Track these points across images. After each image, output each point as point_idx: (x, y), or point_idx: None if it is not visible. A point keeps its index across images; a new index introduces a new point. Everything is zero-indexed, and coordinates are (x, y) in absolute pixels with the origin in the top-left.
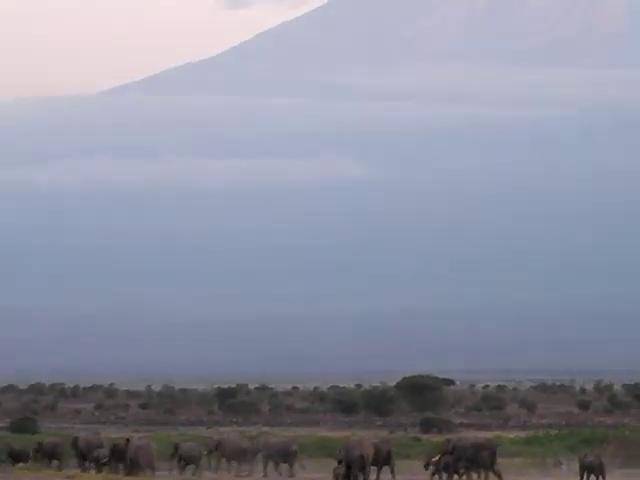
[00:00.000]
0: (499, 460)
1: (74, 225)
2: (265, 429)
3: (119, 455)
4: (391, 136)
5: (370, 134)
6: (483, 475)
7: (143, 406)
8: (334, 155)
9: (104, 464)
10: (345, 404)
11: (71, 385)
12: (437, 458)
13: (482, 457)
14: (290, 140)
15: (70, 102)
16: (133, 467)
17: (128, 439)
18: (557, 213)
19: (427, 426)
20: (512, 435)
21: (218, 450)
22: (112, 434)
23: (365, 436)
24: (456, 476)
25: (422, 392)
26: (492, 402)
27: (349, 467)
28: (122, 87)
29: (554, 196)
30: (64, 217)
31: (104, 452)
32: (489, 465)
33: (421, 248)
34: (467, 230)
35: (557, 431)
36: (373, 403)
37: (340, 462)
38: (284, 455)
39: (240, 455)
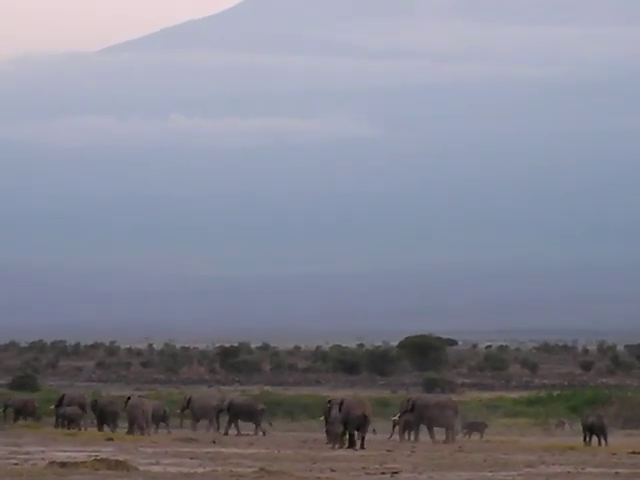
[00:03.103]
0: (503, 420)
1: (69, 183)
2: (267, 388)
3: (100, 413)
4: (392, 95)
5: (370, 93)
6: (447, 434)
7: (144, 364)
8: (335, 114)
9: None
10: (347, 364)
11: (72, 343)
12: (397, 417)
13: (445, 416)
14: (290, 99)
15: (68, 60)
16: (129, 425)
17: (129, 397)
18: (571, 167)
19: (430, 386)
20: (515, 395)
21: (188, 408)
22: (113, 392)
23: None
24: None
25: (425, 352)
26: (494, 362)
27: (346, 426)
28: (121, 45)
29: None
30: (61, 176)
31: (73, 409)
32: (449, 424)
33: (420, 206)
34: (463, 189)
35: (559, 392)
36: (375, 363)
37: (326, 419)
38: (249, 414)
39: (208, 414)
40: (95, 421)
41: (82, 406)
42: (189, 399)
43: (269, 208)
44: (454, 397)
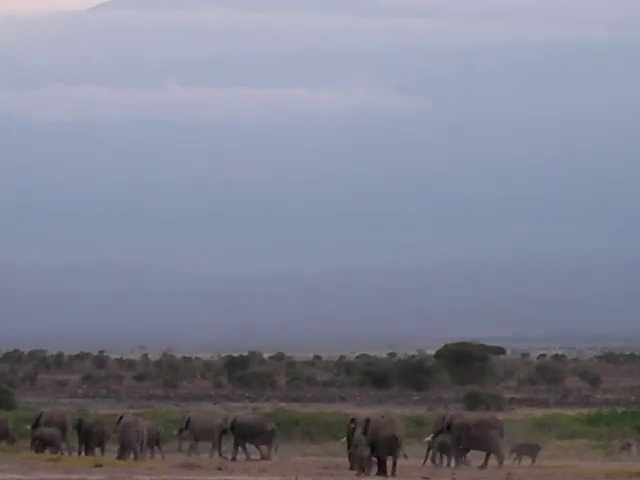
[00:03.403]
0: (559, 442)
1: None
2: (281, 405)
3: (85, 434)
4: (408, 56)
5: (387, 54)
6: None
7: (138, 378)
8: (350, 79)
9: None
10: (375, 376)
11: (53, 353)
12: (431, 437)
13: (489, 437)
14: (300, 63)
15: (55, 20)
16: (121, 448)
17: (121, 416)
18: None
19: (472, 402)
20: (572, 413)
21: (187, 429)
22: (102, 410)
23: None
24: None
25: (466, 362)
26: (549, 374)
27: (374, 449)
28: (112, 2)
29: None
30: (43, 154)
31: (51, 430)
32: (493, 447)
33: (465, 192)
34: (498, 173)
35: (625, 409)
36: (409, 375)
37: (349, 441)
38: (258, 435)
39: (210, 435)
40: (79, 444)
41: (63, 426)
42: (188, 418)
43: (290, 194)
44: (501, 415)
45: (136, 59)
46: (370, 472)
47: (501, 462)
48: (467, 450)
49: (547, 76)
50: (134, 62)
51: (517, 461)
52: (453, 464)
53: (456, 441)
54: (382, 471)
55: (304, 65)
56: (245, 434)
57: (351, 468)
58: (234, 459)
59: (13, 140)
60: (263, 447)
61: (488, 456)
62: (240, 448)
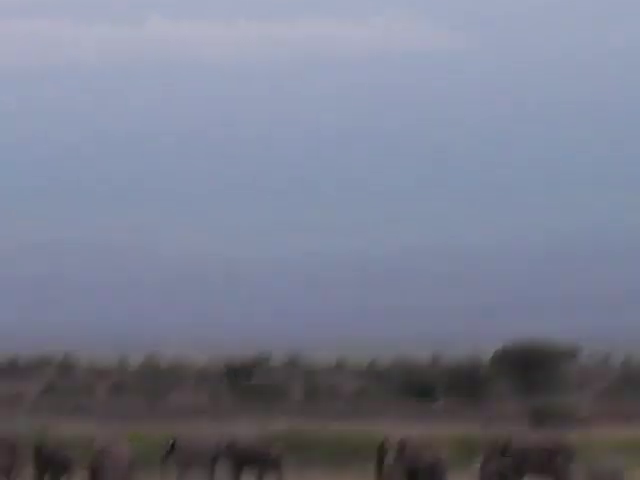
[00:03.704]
0: None
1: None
2: (297, 423)
3: (45, 463)
4: None
5: None
6: None
7: (115, 389)
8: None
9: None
10: (417, 386)
11: (6, 358)
12: (479, 464)
13: (555, 464)
14: None
15: None
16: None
17: (93, 440)
18: None
19: (539, 419)
20: None
21: (174, 453)
22: (68, 431)
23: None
24: None
25: (532, 368)
26: (636, 383)
27: (412, 478)
28: None
29: None
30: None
31: None
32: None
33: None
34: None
35: None
36: (458, 385)
37: (380, 468)
38: (261, 462)
39: (202, 461)
40: (35, 478)
41: (12, 452)
42: (174, 441)
43: (296, 155)
44: (575, 435)
45: None
46: None
47: None
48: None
49: None
50: None
51: None
52: None
53: (514, 469)
54: None
55: None
56: (244, 460)
57: None
58: None
59: None
60: (268, 477)
61: None
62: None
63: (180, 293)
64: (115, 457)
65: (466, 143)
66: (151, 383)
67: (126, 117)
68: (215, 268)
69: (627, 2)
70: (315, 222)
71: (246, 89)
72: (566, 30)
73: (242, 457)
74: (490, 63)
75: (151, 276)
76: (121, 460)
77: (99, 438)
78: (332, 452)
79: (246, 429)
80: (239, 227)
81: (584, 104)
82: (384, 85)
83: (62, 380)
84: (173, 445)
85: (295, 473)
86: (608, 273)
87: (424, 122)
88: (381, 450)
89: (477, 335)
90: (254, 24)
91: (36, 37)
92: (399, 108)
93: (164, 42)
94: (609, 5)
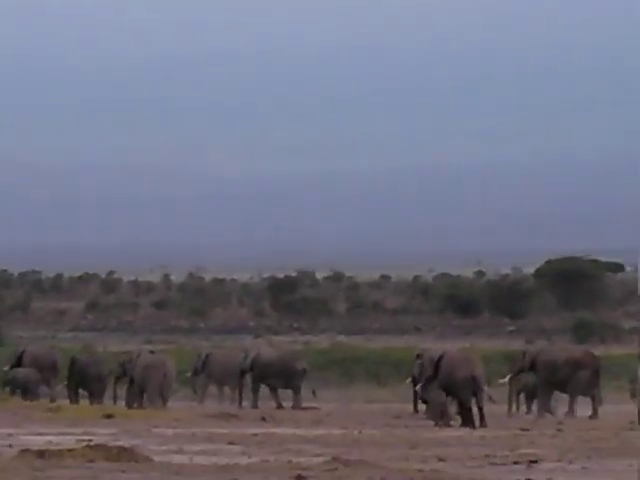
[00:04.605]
0: None
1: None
2: (341, 338)
3: (80, 377)
4: None
5: None
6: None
7: (158, 305)
8: None
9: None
10: (460, 301)
11: (50, 275)
12: (507, 378)
13: (580, 378)
14: None
15: None
16: (139, 395)
17: (138, 356)
18: None
19: (583, 333)
20: None
21: (204, 371)
22: (112, 346)
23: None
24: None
25: (575, 282)
26: None
27: (449, 393)
28: None
29: None
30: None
31: (27, 373)
32: (587, 390)
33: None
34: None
35: None
36: (502, 300)
37: (415, 382)
38: (284, 377)
39: (233, 377)
40: (68, 390)
41: (53, 367)
42: (206, 356)
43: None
44: (619, 349)
45: None
46: (449, 421)
47: (596, 410)
48: (551, 393)
49: None
50: None
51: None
52: (535, 410)
53: (542, 382)
54: (468, 421)
55: None
56: (268, 375)
57: (428, 418)
58: (255, 406)
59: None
60: (294, 393)
61: (573, 401)
62: (270, 393)
63: (222, 212)
64: (155, 371)
65: None
66: (195, 299)
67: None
68: (255, 187)
69: None
70: (348, 138)
71: None
72: None
73: (265, 371)
74: None
75: (193, 196)
76: (161, 373)
77: (142, 353)
78: (376, 367)
79: (290, 344)
80: (274, 145)
81: None
82: None
83: (106, 297)
84: (204, 360)
85: (338, 388)
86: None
87: None
88: (416, 363)
89: (521, 251)
90: None
91: None
92: None
93: None
94: None
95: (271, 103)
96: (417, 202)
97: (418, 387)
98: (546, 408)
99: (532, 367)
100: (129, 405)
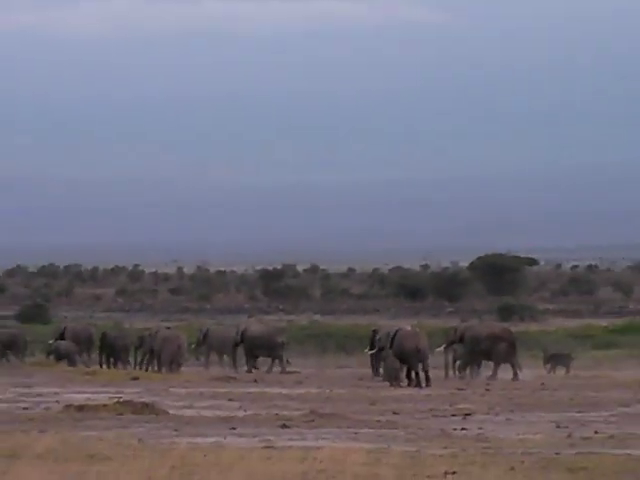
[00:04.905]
0: (593, 352)
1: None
2: (316, 317)
3: (109, 347)
4: None
5: None
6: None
7: (173, 291)
8: None
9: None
10: (409, 288)
11: (88, 267)
12: (442, 348)
13: (500, 349)
14: None
15: None
16: (158, 361)
17: (157, 331)
18: None
19: (506, 313)
20: (606, 323)
21: (205, 343)
22: (138, 323)
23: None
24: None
25: (500, 274)
26: (582, 285)
27: (401, 360)
28: None
29: None
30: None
31: (66, 344)
32: (507, 358)
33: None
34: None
35: None
36: (442, 287)
37: (372, 349)
38: (267, 348)
39: (227, 348)
40: (99, 357)
41: (88, 340)
42: (206, 331)
43: (310, 107)
44: (534, 326)
45: None
46: (401, 383)
47: (516, 374)
48: (478, 361)
49: None
50: None
51: (552, 372)
52: (466, 374)
53: (468, 352)
54: (416, 382)
55: None
56: (255, 346)
57: (374, 375)
58: (250, 371)
59: (52, 53)
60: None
61: (497, 367)
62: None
63: (224, 216)
64: (171, 342)
65: None
66: (202, 286)
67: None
68: (251, 195)
69: None
70: (324, 156)
71: None
72: None
73: (253, 343)
74: None
75: (199, 202)
76: (176, 344)
77: (160, 329)
78: (344, 340)
79: (277, 322)
80: (268, 161)
81: None
82: None
83: (132, 284)
84: (204, 335)
85: (314, 357)
86: (560, 202)
87: None
88: (372, 337)
89: (457, 248)
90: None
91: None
92: None
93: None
94: None
95: (275, 128)
96: (377, 210)
97: (368, 351)
98: (472, 372)
99: (461, 340)
100: (146, 369)
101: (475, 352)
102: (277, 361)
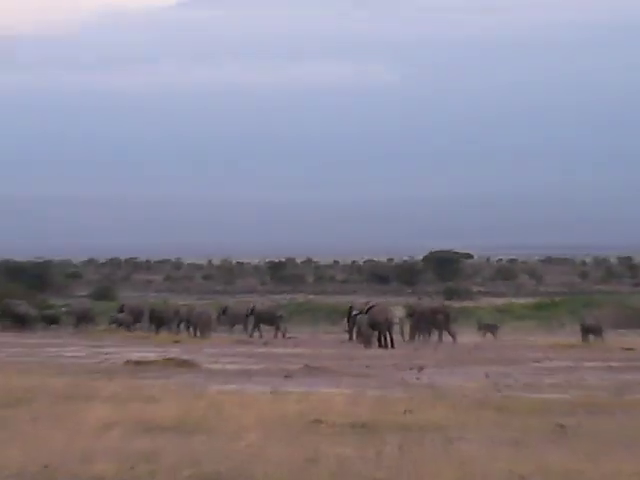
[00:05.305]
0: (513, 323)
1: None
2: (310, 297)
3: (156, 318)
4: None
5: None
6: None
7: (205, 277)
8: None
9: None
10: (379, 276)
11: (143, 259)
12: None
13: (439, 320)
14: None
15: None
16: (194, 328)
17: (193, 307)
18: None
19: (449, 294)
20: (523, 301)
21: (225, 315)
22: (179, 301)
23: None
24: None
25: (445, 264)
26: (505, 273)
27: (374, 328)
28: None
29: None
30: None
31: (124, 316)
32: (445, 327)
33: (438, 140)
34: (487, 125)
35: (561, 298)
36: (403, 274)
37: (349, 320)
38: (270, 319)
39: (242, 319)
40: (148, 325)
41: (141, 313)
42: (225, 307)
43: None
44: (470, 303)
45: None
46: (373, 345)
47: (454, 338)
48: (427, 329)
49: None
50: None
51: (483, 337)
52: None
53: (416, 323)
54: (384, 344)
55: None
56: (261, 318)
57: (350, 339)
58: (251, 336)
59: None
60: (277, 328)
61: (441, 334)
62: (257, 328)
63: (244, 225)
64: (204, 315)
65: None
66: (226, 274)
67: None
68: (263, 209)
69: None
70: (322, 177)
71: None
72: None
73: (259, 316)
74: None
75: (223, 218)
76: (207, 317)
77: (196, 306)
78: (331, 314)
79: (281, 300)
80: (279, 178)
81: None
82: None
83: (175, 272)
84: (225, 310)
85: (308, 325)
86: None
87: None
88: (349, 311)
89: (414, 246)
90: None
91: None
92: None
93: None
94: None
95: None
96: (353, 225)
97: (347, 320)
98: (424, 337)
99: (412, 314)
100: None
101: (422, 322)
102: (280, 329)
